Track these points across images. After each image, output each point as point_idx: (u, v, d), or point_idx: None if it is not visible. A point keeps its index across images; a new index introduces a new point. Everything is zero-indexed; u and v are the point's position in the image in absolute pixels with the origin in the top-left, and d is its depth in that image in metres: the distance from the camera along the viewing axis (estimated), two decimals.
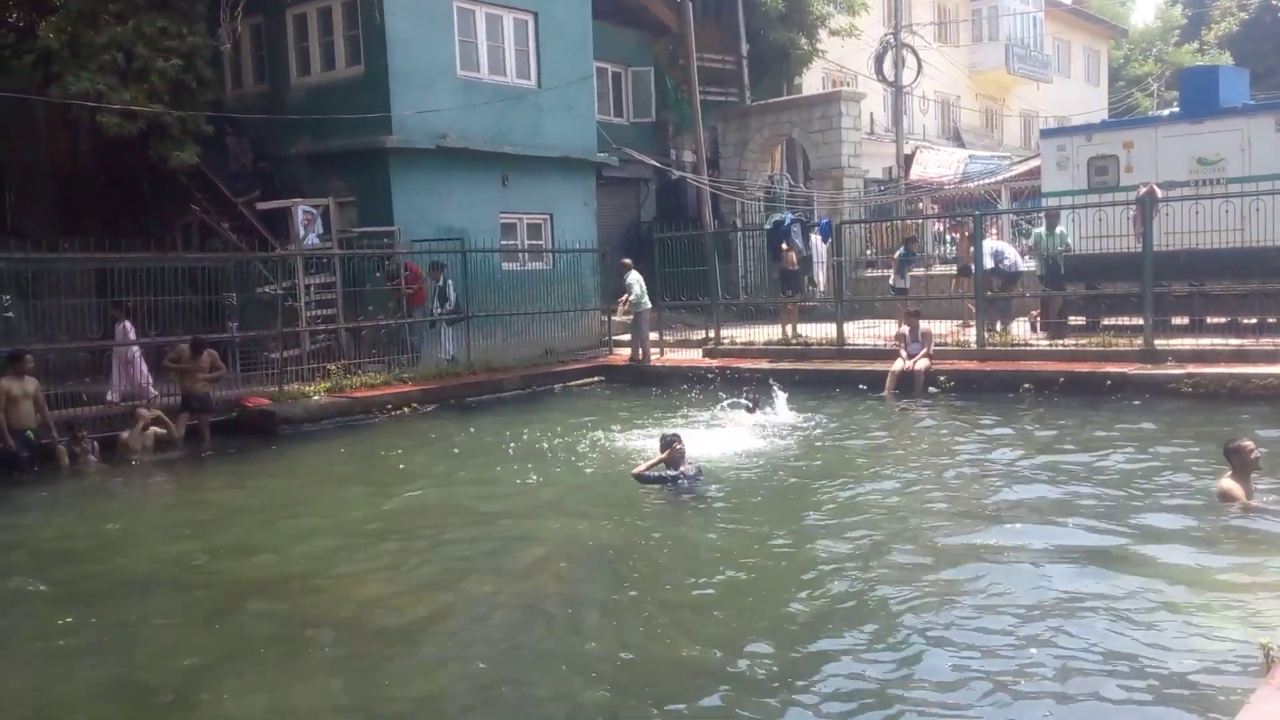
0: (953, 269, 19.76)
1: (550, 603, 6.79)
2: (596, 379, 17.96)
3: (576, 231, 20.30)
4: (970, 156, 31.01)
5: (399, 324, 16.81)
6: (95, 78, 16.22)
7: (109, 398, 13.56)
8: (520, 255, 19.83)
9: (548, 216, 20.47)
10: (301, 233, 16.74)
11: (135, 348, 13.74)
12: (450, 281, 17.06)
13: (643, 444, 11.54)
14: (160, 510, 10.39)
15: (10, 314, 13.15)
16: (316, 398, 14.29)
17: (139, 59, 16.65)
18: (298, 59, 18.82)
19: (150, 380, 13.77)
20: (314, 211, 17.15)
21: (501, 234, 19.39)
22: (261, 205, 17.44)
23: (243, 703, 5.46)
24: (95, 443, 11.96)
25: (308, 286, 16.01)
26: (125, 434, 12.11)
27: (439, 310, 17.11)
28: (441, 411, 15.03)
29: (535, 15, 19.84)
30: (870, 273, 23.45)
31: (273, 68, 19.23)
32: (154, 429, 12.33)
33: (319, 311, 16.37)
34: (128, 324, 13.62)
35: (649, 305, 18.08)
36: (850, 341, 16.70)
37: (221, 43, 17.84)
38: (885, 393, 14.39)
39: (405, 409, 14.77)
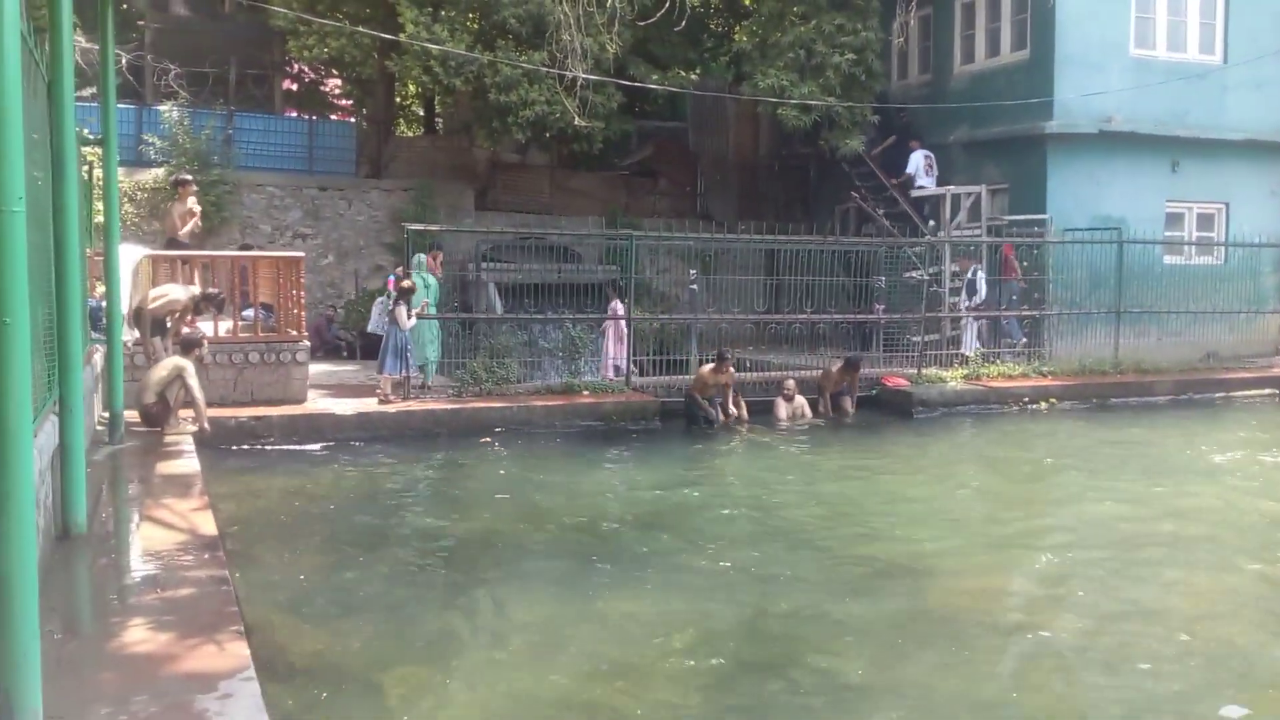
0: None
1: (1175, 644, 6.26)
2: (1268, 391, 15.92)
3: (1257, 223, 18.08)
4: None
5: (1042, 315, 16.37)
6: (780, 74, 17.93)
7: (601, 374, 14.42)
8: (1186, 248, 18.16)
9: (1223, 206, 18.47)
10: (921, 177, 17.17)
11: (621, 324, 14.52)
12: (980, 274, 16.02)
13: None
14: (798, 472, 11.25)
15: (695, 286, 15.18)
16: (953, 383, 14.54)
17: (817, 55, 18.04)
18: (962, 47, 19.01)
19: (620, 357, 14.51)
20: (931, 156, 17.38)
21: (1166, 224, 17.92)
22: (916, 193, 18.03)
23: (856, 673, 5.79)
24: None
25: (953, 273, 16.26)
26: (780, 401, 13.34)
27: (966, 305, 16.12)
28: (1081, 410, 14.44)
29: None
30: None
31: (937, 57, 19.63)
32: (801, 398, 13.42)
33: (961, 299, 16.53)
34: (618, 303, 14.79)
35: None
36: None
37: (895, 36, 18.67)
38: None
39: (1042, 404, 14.44)
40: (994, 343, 16.20)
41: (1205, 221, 18.54)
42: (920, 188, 18.21)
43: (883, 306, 15.88)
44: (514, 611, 6.62)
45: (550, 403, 12.63)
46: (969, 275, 15.99)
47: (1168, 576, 7.51)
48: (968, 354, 15.63)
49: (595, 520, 8.97)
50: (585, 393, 13.07)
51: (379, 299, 15.17)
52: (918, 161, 18.26)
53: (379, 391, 12.18)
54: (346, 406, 11.80)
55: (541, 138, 18.69)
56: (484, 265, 16.38)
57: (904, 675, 5.72)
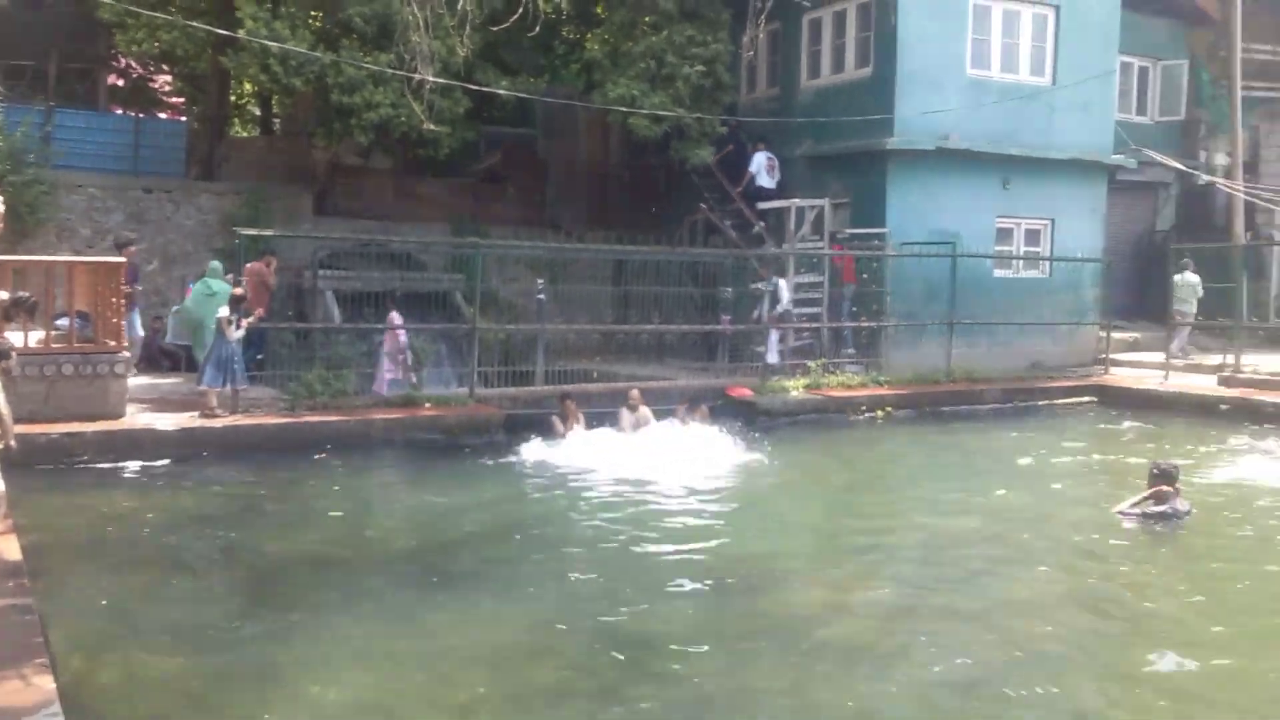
0: None
1: (1006, 643, 6.54)
2: (1088, 399, 16.79)
3: (1080, 239, 19.09)
4: None
5: (880, 326, 16.82)
6: (631, 84, 17.96)
7: (374, 389, 13.94)
8: (1014, 262, 19.01)
9: (1049, 222, 19.39)
10: (762, 177, 17.77)
11: (403, 337, 14.27)
12: (781, 283, 16.27)
13: (1134, 474, 10.66)
14: (632, 484, 11.13)
15: (542, 295, 15.00)
16: (795, 393, 14.79)
17: (668, 66, 18.14)
18: (808, 63, 19.41)
19: (397, 373, 14.25)
20: (774, 158, 17.98)
21: (996, 239, 18.70)
22: (762, 205, 18.32)
23: (694, 681, 5.86)
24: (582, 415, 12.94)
25: (796, 285, 16.55)
26: (624, 412, 13.15)
27: (769, 314, 16.23)
28: (916, 418, 14.93)
29: (1057, 9, 18.75)
30: None
31: (785, 72, 20.01)
32: (646, 408, 13.30)
33: (804, 310, 16.86)
34: (395, 314, 14.49)
35: None
36: None
37: (745, 50, 18.84)
38: None
39: (879, 412, 14.86)
40: (835, 352, 16.56)
41: (1033, 237, 19.42)
42: (760, 189, 18.48)
43: (729, 317, 16.04)
44: (339, 637, 6.38)
45: (390, 415, 12.27)
46: (769, 286, 16.12)
47: (982, 579, 7.83)
48: (771, 362, 15.65)
49: (427, 539, 8.76)
50: (427, 405, 12.75)
51: (174, 308, 14.58)
52: (760, 161, 18.63)
53: (204, 406, 11.60)
54: (169, 422, 11.19)
55: (386, 141, 18.23)
56: (321, 273, 15.81)
57: (741, 682, 5.86)
